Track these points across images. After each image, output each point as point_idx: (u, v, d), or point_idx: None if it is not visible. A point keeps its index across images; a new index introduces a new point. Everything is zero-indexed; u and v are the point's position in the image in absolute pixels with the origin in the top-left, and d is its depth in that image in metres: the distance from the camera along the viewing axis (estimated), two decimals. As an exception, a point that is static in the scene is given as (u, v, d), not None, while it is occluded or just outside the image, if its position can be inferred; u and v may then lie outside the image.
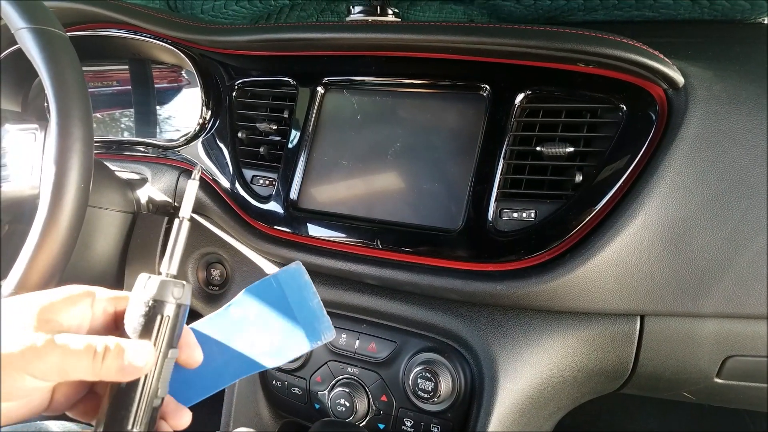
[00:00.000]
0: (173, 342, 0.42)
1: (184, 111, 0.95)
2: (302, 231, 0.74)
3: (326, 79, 0.76)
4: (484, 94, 0.66)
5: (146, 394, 0.41)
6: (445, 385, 0.67)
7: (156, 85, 0.98)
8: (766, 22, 0.78)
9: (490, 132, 0.65)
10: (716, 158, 0.58)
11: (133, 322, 0.41)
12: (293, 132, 0.77)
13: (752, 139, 0.58)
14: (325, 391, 0.75)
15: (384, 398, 0.72)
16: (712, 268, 0.59)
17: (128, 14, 0.86)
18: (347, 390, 0.73)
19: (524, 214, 0.63)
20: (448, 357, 0.68)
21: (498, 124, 0.65)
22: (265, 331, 0.46)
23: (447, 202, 0.67)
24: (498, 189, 0.63)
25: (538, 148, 0.63)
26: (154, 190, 0.88)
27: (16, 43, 0.63)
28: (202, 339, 0.46)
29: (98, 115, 1.03)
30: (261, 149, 0.80)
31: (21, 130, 0.77)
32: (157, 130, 0.99)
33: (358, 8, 0.82)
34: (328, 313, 0.47)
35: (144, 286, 0.41)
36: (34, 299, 0.40)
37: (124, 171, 0.92)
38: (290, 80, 0.78)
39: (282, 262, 0.80)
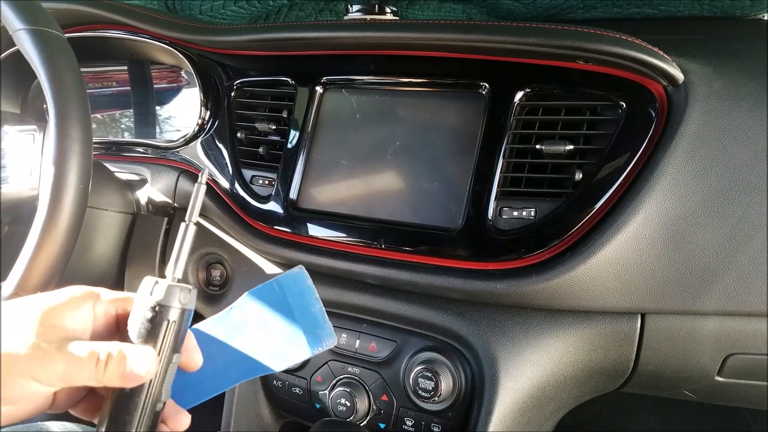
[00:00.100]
0: (177, 347, 0.42)
1: (183, 111, 0.95)
2: (302, 231, 0.74)
3: (325, 78, 0.76)
4: (484, 93, 0.66)
5: (149, 398, 0.40)
6: (446, 384, 0.67)
7: (155, 86, 0.98)
8: (765, 18, 0.78)
9: (489, 130, 0.65)
10: (716, 155, 0.58)
11: (137, 326, 0.41)
12: (292, 132, 0.77)
13: (752, 135, 0.58)
14: (326, 391, 0.75)
15: (384, 398, 0.72)
16: (713, 265, 0.59)
17: (126, 15, 0.85)
18: (348, 390, 0.72)
19: (524, 213, 0.63)
20: (448, 356, 0.68)
21: (497, 123, 0.64)
22: (266, 335, 0.46)
23: (447, 201, 0.66)
24: (498, 187, 0.63)
25: (537, 146, 0.62)
26: (153, 190, 0.88)
27: (15, 44, 0.63)
28: (203, 342, 0.45)
29: (97, 116, 1.03)
30: (260, 149, 0.80)
31: (20, 132, 0.76)
32: (157, 131, 0.99)
33: (356, 7, 0.82)
34: (328, 312, 0.47)
35: (151, 291, 0.41)
36: (39, 302, 0.39)
37: (123, 172, 0.91)
38: (289, 80, 0.78)
39: (282, 262, 0.80)
